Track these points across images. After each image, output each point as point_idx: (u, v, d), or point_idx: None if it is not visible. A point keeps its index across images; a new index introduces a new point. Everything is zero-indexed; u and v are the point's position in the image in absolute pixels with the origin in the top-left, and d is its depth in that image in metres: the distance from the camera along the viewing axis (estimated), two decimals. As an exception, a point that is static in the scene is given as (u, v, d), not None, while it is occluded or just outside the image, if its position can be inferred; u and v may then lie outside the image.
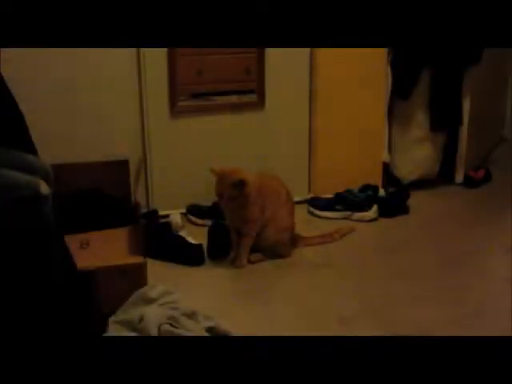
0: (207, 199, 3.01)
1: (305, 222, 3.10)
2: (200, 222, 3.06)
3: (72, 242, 2.30)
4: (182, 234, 2.84)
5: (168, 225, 2.87)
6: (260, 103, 3.14)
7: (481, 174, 3.58)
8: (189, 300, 2.29)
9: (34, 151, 2.14)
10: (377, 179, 3.36)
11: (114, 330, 2.06)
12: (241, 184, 2.55)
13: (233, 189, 2.55)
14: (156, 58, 2.93)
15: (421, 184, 3.50)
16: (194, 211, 3.10)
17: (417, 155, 3.44)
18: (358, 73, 3.23)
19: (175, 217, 2.95)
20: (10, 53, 2.13)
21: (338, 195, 3.20)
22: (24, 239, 1.80)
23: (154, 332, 1.95)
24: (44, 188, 1.81)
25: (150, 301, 2.16)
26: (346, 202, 3.16)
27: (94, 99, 2.92)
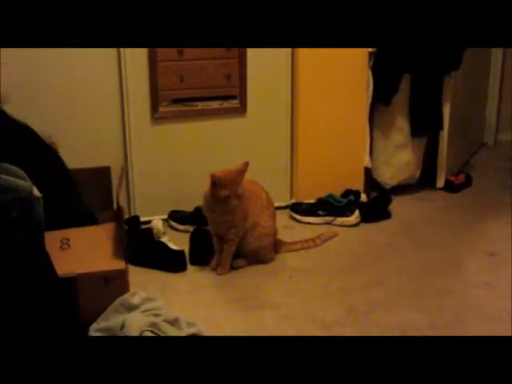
0: (189, 205, 3.01)
1: (287, 228, 3.11)
2: (182, 227, 3.05)
3: (52, 240, 2.26)
4: (164, 240, 2.83)
5: (150, 231, 2.86)
6: (241, 109, 3.14)
7: (461, 178, 3.61)
8: (171, 306, 2.29)
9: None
10: (359, 184, 3.37)
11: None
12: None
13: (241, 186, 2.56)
14: (137, 63, 2.92)
15: (402, 189, 3.52)
16: (176, 217, 3.09)
17: (398, 160, 3.45)
18: (340, 79, 3.24)
19: (157, 223, 2.94)
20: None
21: (319, 200, 3.21)
22: (18, 237, 1.87)
23: (135, 339, 1.94)
24: (36, 191, 1.91)
25: (131, 308, 2.16)
26: (328, 207, 3.16)
27: (74, 106, 2.91)
